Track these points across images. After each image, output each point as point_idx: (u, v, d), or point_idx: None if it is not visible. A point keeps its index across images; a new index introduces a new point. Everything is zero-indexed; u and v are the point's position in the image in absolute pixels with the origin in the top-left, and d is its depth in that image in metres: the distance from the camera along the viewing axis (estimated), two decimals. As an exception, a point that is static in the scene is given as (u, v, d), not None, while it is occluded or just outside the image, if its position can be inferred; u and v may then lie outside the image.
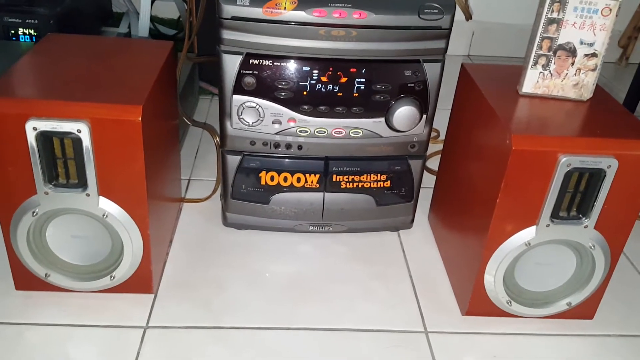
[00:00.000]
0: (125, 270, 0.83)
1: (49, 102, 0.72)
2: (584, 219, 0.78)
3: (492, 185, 0.78)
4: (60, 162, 0.75)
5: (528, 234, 0.79)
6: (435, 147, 1.32)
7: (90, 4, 1.66)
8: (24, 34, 1.37)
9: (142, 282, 0.86)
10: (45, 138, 0.72)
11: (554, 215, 0.77)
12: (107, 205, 0.77)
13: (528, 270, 0.85)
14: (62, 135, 0.72)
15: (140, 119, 0.72)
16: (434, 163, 1.24)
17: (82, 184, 0.76)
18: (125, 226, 0.79)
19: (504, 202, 0.76)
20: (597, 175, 0.75)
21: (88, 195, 0.76)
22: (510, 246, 0.79)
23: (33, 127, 0.71)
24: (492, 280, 0.82)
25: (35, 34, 1.37)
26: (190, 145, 1.30)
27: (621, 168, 0.73)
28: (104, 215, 0.78)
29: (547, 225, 0.78)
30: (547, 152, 0.73)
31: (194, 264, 0.96)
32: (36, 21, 1.36)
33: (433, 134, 1.36)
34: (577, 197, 0.77)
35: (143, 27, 1.24)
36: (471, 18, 1.02)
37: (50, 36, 0.92)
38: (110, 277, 0.83)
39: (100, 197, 0.77)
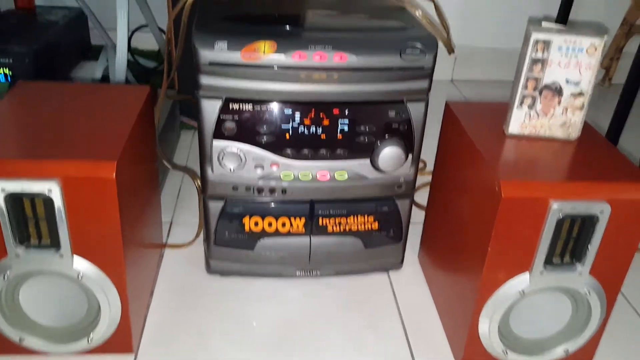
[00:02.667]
0: (103, 331, 0.79)
1: (17, 162, 0.68)
2: (578, 264, 0.76)
3: (483, 232, 0.75)
4: (32, 222, 0.71)
5: (521, 282, 0.76)
6: (422, 178, 1.30)
7: (68, 39, 1.63)
8: (-2, 73, 1.34)
9: (121, 342, 0.82)
10: (14, 199, 0.69)
11: (548, 262, 0.75)
12: (81, 266, 0.74)
13: (523, 317, 0.82)
14: (32, 196, 0.69)
15: (114, 175, 0.69)
16: (422, 196, 1.22)
17: (55, 245, 0.72)
18: (102, 286, 0.75)
19: (496, 250, 0.74)
20: (589, 221, 0.72)
21: (61, 256, 0.73)
22: (503, 295, 0.77)
23: (1, 189, 0.67)
24: (487, 329, 0.79)
25: (10, 73, 1.34)
26: (172, 184, 1.27)
27: (614, 212, 0.71)
28: (78, 276, 0.74)
29: (541, 273, 0.75)
30: (537, 198, 0.71)
31: (176, 317, 0.92)
32: (11, 60, 1.33)
33: (420, 165, 1.34)
34: (570, 242, 0.75)
35: (119, 70, 1.21)
36: (453, 52, 1.00)
37: (20, 84, 0.89)
38: (88, 339, 0.79)
39: (75, 257, 0.73)
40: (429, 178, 1.25)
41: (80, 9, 1.62)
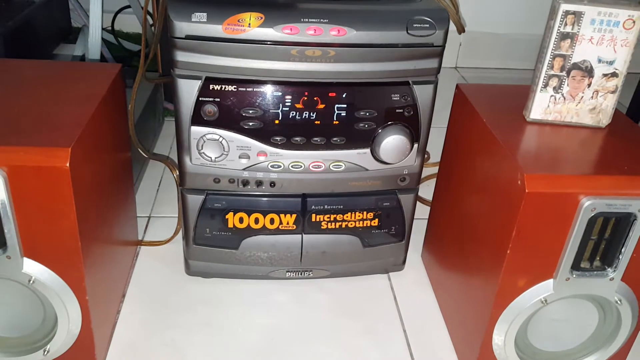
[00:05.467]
0: (61, 342, 0.69)
1: (-47, 147, 0.58)
2: (609, 270, 0.66)
3: (501, 232, 0.65)
4: (-27, 218, 0.61)
5: (544, 289, 0.66)
6: (425, 170, 1.19)
7: (45, 19, 1.52)
8: (-34, 54, 1.22)
9: (84, 354, 0.71)
10: (-50, 191, 0.58)
11: (575, 267, 0.65)
12: (33, 269, 0.63)
13: (543, 328, 0.72)
14: (-29, 188, 0.58)
15: (67, 164, 0.58)
16: (425, 190, 1.11)
17: (1, 245, 0.61)
18: (58, 292, 0.65)
19: (516, 253, 0.64)
20: (625, 220, 0.62)
21: (9, 257, 0.62)
22: (523, 304, 0.67)
23: None
24: (502, 343, 0.69)
25: (-21, 54, 1.22)
26: (152, 175, 1.16)
27: (655, 211, 0.61)
28: (30, 280, 0.64)
29: (567, 279, 0.65)
30: (567, 194, 0.61)
31: (150, 324, 0.82)
32: (-21, 40, 1.21)
33: (423, 157, 1.23)
34: (602, 244, 0.65)
35: (93, 48, 1.09)
36: (464, 31, 0.90)
37: (-25, 61, 0.78)
38: (44, 351, 0.69)
39: (25, 259, 0.63)
40: (433, 170, 1.15)
41: (58, -13, 1.51)
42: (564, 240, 0.63)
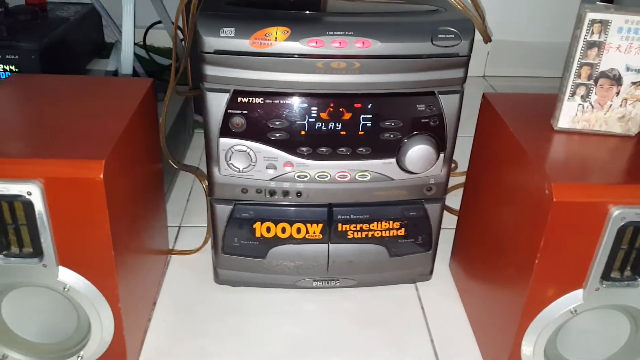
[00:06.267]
0: (94, 349, 0.71)
1: (-6, 160, 0.61)
2: (640, 280, 0.65)
3: (529, 242, 0.65)
4: (11, 228, 0.63)
5: (573, 299, 0.65)
6: (453, 179, 1.19)
7: (79, 35, 1.57)
8: (4, 70, 1.27)
9: (116, 360, 0.73)
10: (-9, 202, 0.61)
11: (605, 277, 0.64)
12: (68, 277, 0.65)
13: (573, 339, 0.71)
14: (10, 199, 0.60)
15: (102, 176, 0.60)
16: (453, 199, 1.11)
17: (38, 253, 0.64)
18: (92, 300, 0.67)
19: (545, 262, 0.63)
20: (656, 230, 0.61)
21: (45, 266, 0.64)
22: (552, 314, 0.66)
23: (-25, 190, 0.60)
24: (531, 354, 0.69)
25: (17, 70, 1.27)
26: (182, 186, 1.18)
27: (687, 220, 0.60)
28: (64, 288, 0.66)
29: (597, 289, 0.64)
30: (595, 203, 0.60)
31: (180, 332, 0.83)
32: (17, 56, 1.26)
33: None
34: (632, 253, 0.64)
35: (126, 63, 1.13)
36: (490, 40, 0.90)
37: (13, 77, 0.81)
38: (78, 357, 0.71)
39: (60, 268, 0.65)
40: (461, 179, 1.14)
41: (92, 5, 1.56)
42: (593, 249, 0.63)
